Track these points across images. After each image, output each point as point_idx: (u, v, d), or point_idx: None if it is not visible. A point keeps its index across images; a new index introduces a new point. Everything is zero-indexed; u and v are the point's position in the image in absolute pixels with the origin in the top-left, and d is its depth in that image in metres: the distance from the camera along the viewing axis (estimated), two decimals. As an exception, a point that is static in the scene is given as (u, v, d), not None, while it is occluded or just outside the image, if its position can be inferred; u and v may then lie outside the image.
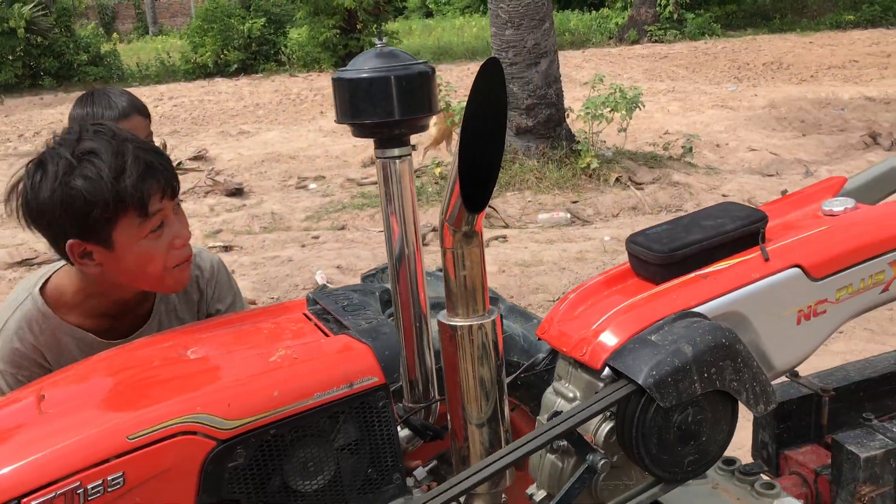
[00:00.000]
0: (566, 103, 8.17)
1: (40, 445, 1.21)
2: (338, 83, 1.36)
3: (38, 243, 6.32)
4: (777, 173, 8.19)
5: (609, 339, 1.40)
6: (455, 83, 9.46)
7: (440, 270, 1.45)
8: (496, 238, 6.66)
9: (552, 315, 1.55)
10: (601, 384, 1.41)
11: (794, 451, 1.89)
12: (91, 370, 1.48)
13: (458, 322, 1.33)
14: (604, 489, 1.44)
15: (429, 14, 31.19)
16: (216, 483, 1.24)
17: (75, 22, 21.10)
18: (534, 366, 1.68)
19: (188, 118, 12.94)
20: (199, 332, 1.55)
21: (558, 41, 9.40)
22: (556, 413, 1.44)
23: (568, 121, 8.15)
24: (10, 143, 12.11)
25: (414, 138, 1.49)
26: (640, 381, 1.30)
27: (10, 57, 18.39)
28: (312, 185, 8.78)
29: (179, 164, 9.39)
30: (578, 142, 8.03)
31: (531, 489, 1.55)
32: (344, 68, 1.38)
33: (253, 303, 5.11)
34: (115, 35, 26.20)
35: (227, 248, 6.82)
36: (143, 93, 15.62)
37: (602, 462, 1.39)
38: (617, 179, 7.72)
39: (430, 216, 7.02)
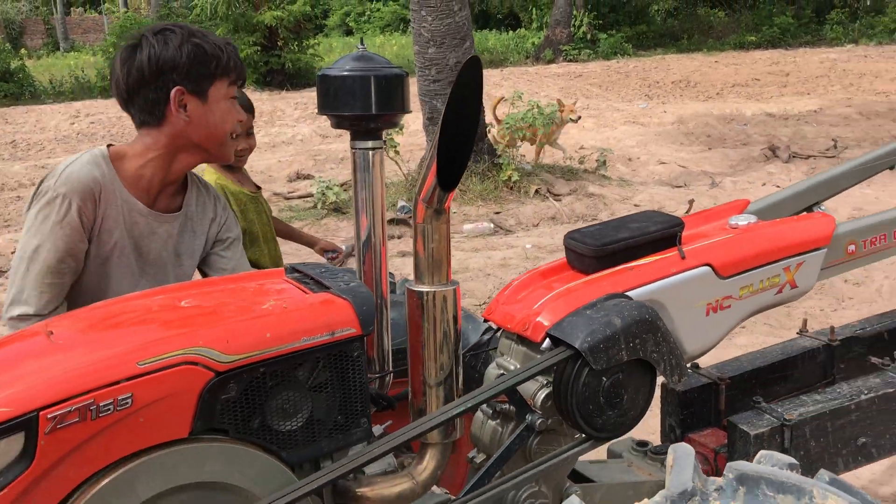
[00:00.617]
0: (486, 119, 8.45)
1: (57, 368, 1.32)
2: (322, 79, 1.57)
3: None
4: (685, 185, 8.65)
5: (549, 316, 1.65)
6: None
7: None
8: (423, 249, 6.83)
9: (497, 299, 1.78)
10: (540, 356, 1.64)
11: (697, 434, 2.12)
12: (93, 314, 1.60)
13: (425, 289, 1.55)
14: (537, 451, 1.67)
15: (349, 32, 31.33)
16: (210, 412, 1.37)
17: (-22, 37, 20.38)
18: (478, 346, 1.90)
19: (107, 135, 12.71)
20: (189, 289, 1.69)
21: (478, 59, 9.64)
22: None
23: (489, 136, 8.44)
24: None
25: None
26: (576, 346, 1.54)
27: None
28: (238, 201, 8.77)
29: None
30: (500, 155, 8.32)
31: (472, 453, 1.76)
32: (328, 66, 1.60)
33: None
34: (22, 50, 25.40)
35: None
36: (59, 110, 15.28)
37: (539, 421, 1.62)
38: (536, 191, 8.05)
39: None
